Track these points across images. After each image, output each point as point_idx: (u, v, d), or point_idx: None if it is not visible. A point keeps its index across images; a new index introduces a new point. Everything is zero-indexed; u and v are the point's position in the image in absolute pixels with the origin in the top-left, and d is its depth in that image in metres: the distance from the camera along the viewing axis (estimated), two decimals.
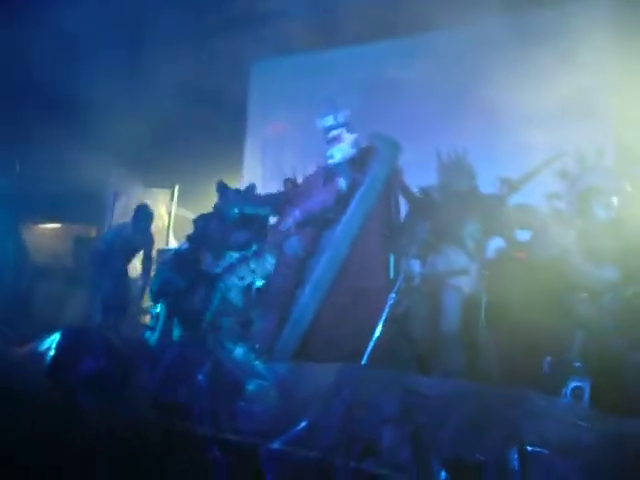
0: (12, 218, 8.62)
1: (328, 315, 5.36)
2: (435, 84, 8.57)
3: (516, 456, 3.20)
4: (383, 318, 4.95)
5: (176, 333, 6.62)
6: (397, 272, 5.40)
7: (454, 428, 3.47)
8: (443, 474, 3.27)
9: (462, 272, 5.66)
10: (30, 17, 8.48)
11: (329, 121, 5.84)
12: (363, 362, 4.76)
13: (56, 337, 5.70)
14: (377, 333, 4.86)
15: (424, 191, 6.12)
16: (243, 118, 10.98)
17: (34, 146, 8.87)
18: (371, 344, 4.82)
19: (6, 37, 8.05)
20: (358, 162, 5.73)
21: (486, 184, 6.05)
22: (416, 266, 6.00)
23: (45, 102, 9.23)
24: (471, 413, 3.52)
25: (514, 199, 5.99)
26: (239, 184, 10.44)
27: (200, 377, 4.23)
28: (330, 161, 5.80)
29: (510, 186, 5.89)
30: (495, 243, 5.99)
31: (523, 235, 5.99)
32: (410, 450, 3.43)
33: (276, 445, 3.72)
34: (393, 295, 5.05)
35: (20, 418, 4.44)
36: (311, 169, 6.43)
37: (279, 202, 6.34)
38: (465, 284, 5.69)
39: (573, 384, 4.64)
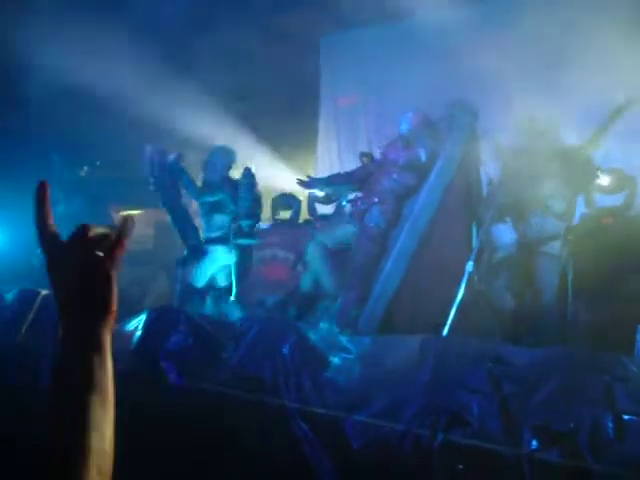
0: (98, 205, 8.88)
1: (411, 287, 5.33)
2: (505, 48, 8.31)
3: (610, 423, 3.11)
4: (463, 287, 4.89)
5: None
6: (478, 241, 5.31)
7: (544, 396, 3.40)
8: (534, 442, 3.21)
9: (554, 237, 5.46)
10: None
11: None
12: (446, 332, 4.72)
13: (143, 317, 5.87)
14: (457, 302, 4.81)
15: (506, 156, 5.96)
16: (316, 94, 10.95)
17: (115, 135, 9.08)
18: (452, 314, 4.77)
19: None
20: (436, 131, 5.66)
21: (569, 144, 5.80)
22: (506, 234, 5.86)
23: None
24: (561, 381, 3.43)
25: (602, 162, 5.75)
26: (314, 160, 10.51)
27: (285, 351, 4.27)
28: (401, 128, 5.79)
29: (590, 142, 5.62)
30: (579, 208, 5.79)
31: (607, 200, 5.78)
32: (499, 420, 3.39)
33: (362, 417, 3.73)
34: (471, 263, 4.98)
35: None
36: (386, 140, 6.37)
37: (357, 177, 6.30)
38: (556, 250, 5.49)
39: None
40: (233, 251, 7.03)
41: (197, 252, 7.17)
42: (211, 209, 7.22)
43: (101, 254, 0.93)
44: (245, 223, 7.02)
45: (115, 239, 0.94)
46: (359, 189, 6.30)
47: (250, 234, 7.12)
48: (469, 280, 5.01)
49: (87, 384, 0.88)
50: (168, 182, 7.20)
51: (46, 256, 0.94)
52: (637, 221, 5.66)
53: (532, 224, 5.53)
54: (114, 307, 0.93)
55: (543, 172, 5.38)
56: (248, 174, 7.12)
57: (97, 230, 0.94)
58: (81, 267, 0.92)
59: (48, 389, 0.87)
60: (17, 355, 5.36)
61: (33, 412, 4.71)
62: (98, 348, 0.90)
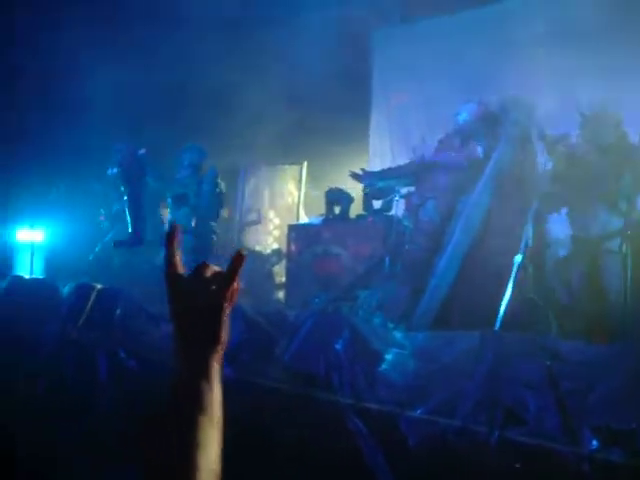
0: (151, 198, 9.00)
1: (466, 282, 5.28)
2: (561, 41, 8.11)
3: None
4: (512, 281, 4.83)
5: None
6: (530, 234, 5.22)
7: (603, 394, 3.33)
8: (594, 442, 3.14)
9: (617, 234, 5.33)
10: None
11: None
12: (497, 327, 4.65)
13: None
14: (508, 297, 4.76)
15: (567, 148, 5.83)
16: (367, 90, 10.91)
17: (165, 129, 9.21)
18: (503, 308, 4.71)
19: None
20: (492, 126, 5.58)
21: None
22: (565, 229, 5.74)
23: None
24: (621, 379, 3.36)
25: None
26: (366, 157, 10.47)
27: (338, 347, 4.26)
28: (459, 118, 5.74)
29: None
30: None
31: None
32: (557, 418, 3.32)
33: (417, 413, 3.70)
34: (520, 256, 4.91)
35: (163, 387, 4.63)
36: (439, 135, 6.32)
37: (411, 171, 6.27)
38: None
39: None
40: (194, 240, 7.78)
41: (135, 240, 8.04)
42: (175, 202, 8.17)
43: (214, 288, 1.03)
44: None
45: (226, 274, 1.03)
46: (412, 184, 6.26)
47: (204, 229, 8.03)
48: (519, 275, 4.94)
49: (196, 405, 0.97)
50: (135, 174, 8.09)
51: (169, 290, 1.05)
52: None
53: (597, 220, 5.40)
54: (224, 338, 1.04)
55: (616, 167, 5.26)
56: (211, 172, 8.15)
57: (214, 268, 1.05)
58: (197, 300, 1.02)
59: (162, 412, 0.95)
60: (74, 350, 5.45)
61: (91, 408, 4.83)
62: (207, 373, 1.00)
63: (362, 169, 6.88)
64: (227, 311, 1.04)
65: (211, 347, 1.01)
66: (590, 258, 5.41)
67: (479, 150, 5.59)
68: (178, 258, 1.06)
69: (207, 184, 8.07)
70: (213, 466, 0.94)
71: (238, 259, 1.03)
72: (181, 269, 1.05)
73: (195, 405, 0.96)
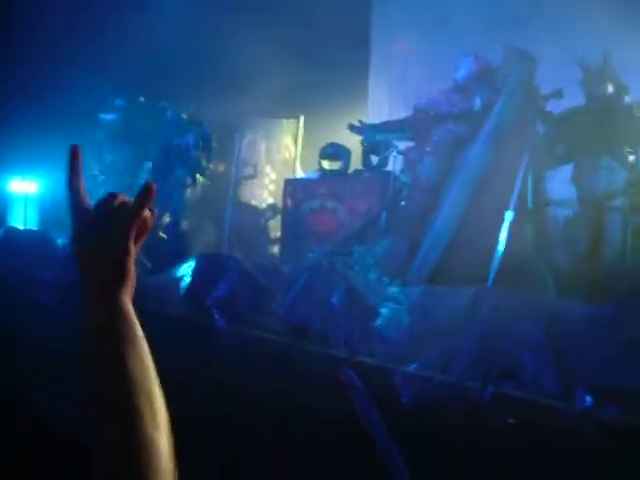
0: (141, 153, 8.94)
1: (464, 238, 5.22)
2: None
3: None
4: (505, 236, 4.83)
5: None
6: (531, 192, 5.19)
7: (600, 354, 3.32)
8: (588, 399, 3.15)
9: (623, 191, 5.28)
10: None
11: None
12: (490, 281, 4.64)
13: (191, 264, 5.90)
14: (500, 252, 4.76)
15: (569, 108, 5.75)
16: (366, 44, 10.75)
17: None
18: (496, 264, 4.70)
19: None
20: (489, 80, 5.50)
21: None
22: (569, 190, 5.69)
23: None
24: (618, 338, 3.35)
25: None
26: (364, 113, 10.35)
27: (334, 300, 4.24)
28: (457, 74, 5.66)
29: None
30: None
31: None
32: (553, 375, 3.32)
33: (412, 368, 3.70)
34: (511, 212, 4.90)
35: (157, 336, 4.62)
36: (439, 89, 6.22)
37: (410, 125, 6.19)
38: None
39: None
40: None
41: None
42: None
43: (120, 218, 0.96)
44: None
45: (134, 203, 0.96)
46: (411, 138, 6.19)
47: None
48: (513, 230, 4.92)
49: (115, 346, 0.90)
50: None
51: (73, 222, 0.97)
52: None
53: (602, 179, 5.34)
54: (132, 272, 0.95)
55: (617, 124, 5.19)
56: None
57: (122, 198, 0.97)
58: (102, 233, 0.95)
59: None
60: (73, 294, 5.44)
61: None
62: (119, 310, 0.93)
63: (360, 121, 6.81)
64: (136, 243, 0.98)
65: (119, 282, 0.94)
66: (596, 218, 5.37)
67: (477, 102, 5.50)
68: (82, 186, 0.99)
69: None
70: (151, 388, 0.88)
71: (147, 189, 0.96)
72: (87, 199, 0.98)
73: (114, 346, 0.90)
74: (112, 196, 0.97)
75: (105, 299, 0.93)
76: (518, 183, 5.25)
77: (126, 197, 0.98)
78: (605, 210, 5.34)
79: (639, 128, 5.27)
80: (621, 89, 5.40)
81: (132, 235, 0.96)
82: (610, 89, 5.38)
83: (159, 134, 8.24)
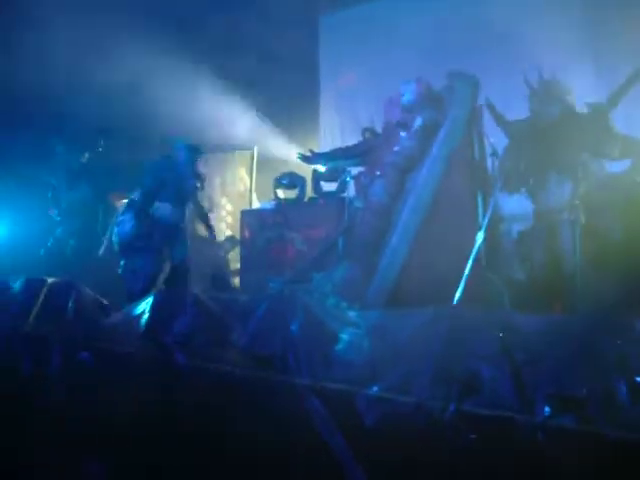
0: (99, 192, 8.84)
1: (418, 259, 5.29)
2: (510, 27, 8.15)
3: (624, 387, 3.08)
4: (472, 259, 4.86)
5: None
6: (485, 211, 5.27)
7: (556, 363, 3.36)
8: (546, 409, 3.18)
9: (571, 204, 5.38)
10: None
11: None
12: (454, 302, 4.69)
13: (149, 301, 5.86)
14: (466, 274, 4.79)
15: (517, 123, 5.88)
16: (315, 74, 10.89)
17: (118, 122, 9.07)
18: (461, 286, 4.74)
19: None
20: (437, 102, 5.60)
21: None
22: (516, 205, 5.81)
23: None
24: (573, 347, 3.40)
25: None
26: (317, 138, 10.45)
27: (294, 328, 4.23)
28: (403, 99, 5.75)
29: (609, 101, 5.51)
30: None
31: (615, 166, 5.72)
32: (511, 388, 3.35)
33: (373, 391, 3.70)
34: (481, 234, 4.95)
35: (116, 376, 4.57)
36: (388, 115, 6.32)
37: (360, 151, 6.28)
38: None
39: None
40: None
41: None
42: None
43: None
44: None
45: None
46: (362, 163, 6.28)
47: None
48: (479, 252, 4.98)
49: None
50: None
51: None
52: None
53: (552, 192, 5.47)
54: None
55: (562, 138, 5.32)
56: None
57: None
58: None
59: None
60: (26, 344, 5.34)
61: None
62: None
63: (310, 150, 6.88)
64: None
65: None
66: (550, 231, 5.49)
67: (419, 121, 5.60)
68: None
69: None
70: None
71: None
72: None
73: None
74: None
75: None
76: (473, 203, 5.35)
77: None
78: (557, 223, 5.47)
79: (589, 140, 5.42)
80: (566, 105, 5.55)
81: None
82: (555, 107, 5.54)
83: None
